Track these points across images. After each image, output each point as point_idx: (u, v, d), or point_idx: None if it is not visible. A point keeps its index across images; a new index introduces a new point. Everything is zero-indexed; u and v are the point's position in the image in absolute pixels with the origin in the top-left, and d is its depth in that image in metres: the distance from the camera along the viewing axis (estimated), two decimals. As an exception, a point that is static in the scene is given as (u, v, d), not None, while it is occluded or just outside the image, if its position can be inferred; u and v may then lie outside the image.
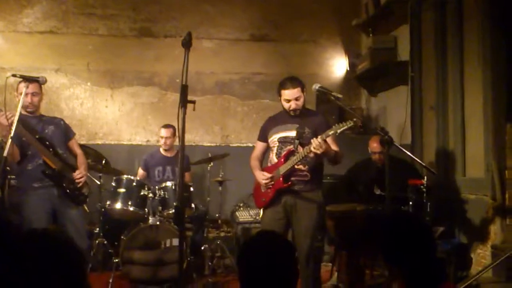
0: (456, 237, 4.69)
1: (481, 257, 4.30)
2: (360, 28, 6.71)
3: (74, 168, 4.13)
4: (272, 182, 3.87)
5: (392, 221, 2.17)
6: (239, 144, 6.71)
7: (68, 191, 4.00)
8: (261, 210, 4.02)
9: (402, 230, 2.06)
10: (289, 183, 3.82)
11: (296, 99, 3.84)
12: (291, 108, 3.86)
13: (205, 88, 6.69)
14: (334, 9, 6.89)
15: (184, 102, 2.73)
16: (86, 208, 4.48)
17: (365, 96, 6.90)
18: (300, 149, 3.78)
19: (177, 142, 5.68)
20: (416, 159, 3.91)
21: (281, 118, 4.00)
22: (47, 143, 3.93)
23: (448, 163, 5.08)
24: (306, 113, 3.96)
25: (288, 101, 3.86)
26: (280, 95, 3.92)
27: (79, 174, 4.09)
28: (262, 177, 3.89)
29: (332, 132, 3.53)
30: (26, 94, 3.85)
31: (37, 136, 3.87)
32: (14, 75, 3.75)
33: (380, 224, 2.18)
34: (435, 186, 4.70)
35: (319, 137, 3.57)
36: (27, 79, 3.73)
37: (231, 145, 6.67)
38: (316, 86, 3.72)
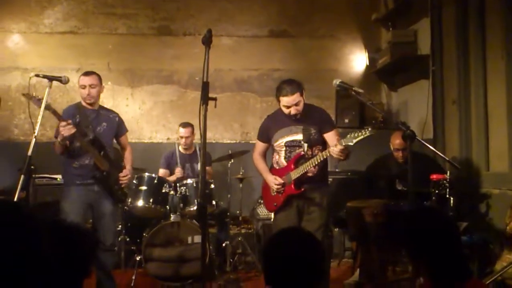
0: (479, 233, 4.62)
1: (506, 252, 4.23)
2: (380, 23, 6.65)
3: (120, 167, 4.27)
4: (284, 188, 3.86)
5: (417, 216, 2.14)
6: (258, 141, 6.70)
7: (111, 189, 4.14)
8: (272, 213, 4.01)
9: (427, 226, 2.04)
10: (302, 189, 3.80)
11: (296, 104, 3.78)
12: (291, 114, 3.81)
13: (224, 85, 6.70)
14: (352, 3, 6.83)
15: (205, 99, 2.73)
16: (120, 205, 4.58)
17: (385, 91, 6.83)
18: (309, 151, 3.78)
19: (196, 139, 5.70)
20: (439, 153, 3.86)
21: (282, 119, 3.92)
22: (99, 144, 4.06)
23: (471, 157, 5.01)
24: (307, 111, 3.89)
25: (288, 107, 3.80)
26: (278, 101, 3.85)
27: (126, 176, 4.26)
28: (275, 182, 3.87)
29: (348, 142, 3.45)
30: (84, 87, 4.05)
31: (90, 137, 4.01)
32: (37, 75, 3.82)
33: (404, 219, 2.16)
34: (458, 181, 4.63)
35: (338, 146, 3.49)
36: (50, 79, 3.78)
37: (251, 142, 6.65)
38: (336, 81, 3.68)
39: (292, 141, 3.87)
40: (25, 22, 6.52)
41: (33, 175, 5.17)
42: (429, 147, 3.73)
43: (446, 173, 4.26)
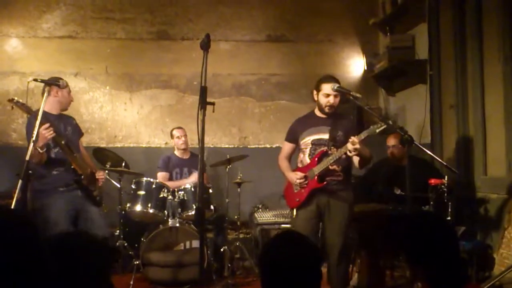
0: (477, 237, 4.63)
1: (504, 257, 4.24)
2: (378, 27, 6.66)
3: (93, 170, 4.22)
4: (306, 182, 3.88)
5: (415, 221, 2.15)
6: (257, 146, 6.71)
7: (90, 192, 4.09)
8: (294, 210, 4.01)
9: (426, 231, 2.04)
10: (325, 182, 3.84)
11: (336, 95, 3.85)
12: (328, 104, 3.85)
13: (222, 90, 6.71)
14: (350, 8, 6.85)
15: (203, 103, 2.74)
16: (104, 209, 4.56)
17: (383, 96, 6.84)
18: (333, 150, 3.82)
19: (194, 144, 5.71)
20: (437, 158, 3.87)
21: (312, 120, 4.00)
22: (70, 148, 3.98)
23: (469, 162, 5.02)
24: (338, 116, 3.98)
25: (328, 95, 3.84)
26: (318, 90, 3.90)
27: (102, 175, 4.23)
28: (296, 176, 3.90)
29: (368, 133, 3.55)
30: (70, 93, 4.07)
31: (63, 142, 3.90)
32: (35, 80, 3.81)
33: (402, 224, 2.16)
34: (456, 186, 4.64)
35: (355, 137, 3.59)
36: (48, 84, 3.78)
37: (249, 146, 6.67)
38: (334, 86, 3.72)
39: (319, 139, 3.92)
40: (23, 26, 6.52)
41: (31, 180, 5.16)
42: (427, 152, 3.75)
43: (444, 178, 4.26)
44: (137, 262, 4.79)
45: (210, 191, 5.06)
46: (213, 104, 2.83)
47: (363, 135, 3.59)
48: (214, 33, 6.36)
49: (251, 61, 6.78)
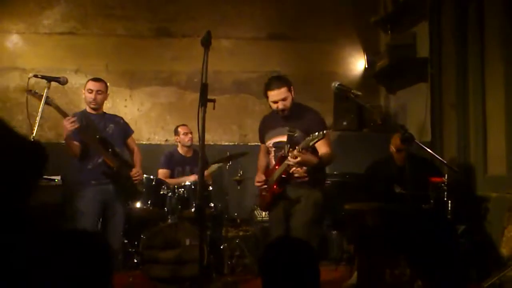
0: (477, 236, 4.63)
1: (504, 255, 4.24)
2: (378, 25, 6.66)
3: (131, 166, 4.41)
4: (265, 186, 3.91)
5: (415, 220, 2.15)
6: (257, 143, 6.64)
7: (124, 188, 4.28)
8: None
9: (426, 229, 2.04)
10: (281, 189, 3.81)
11: (283, 99, 3.78)
12: (278, 109, 3.81)
13: (223, 87, 6.70)
14: (351, 6, 6.84)
15: (204, 101, 2.73)
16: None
17: (384, 94, 6.84)
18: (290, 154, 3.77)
19: (194, 141, 5.71)
20: (437, 156, 3.86)
21: (273, 121, 3.96)
22: (107, 142, 4.20)
23: (469, 160, 5.01)
24: (297, 112, 3.87)
25: (275, 102, 3.80)
26: (267, 97, 3.86)
27: (137, 173, 4.40)
28: (257, 179, 3.94)
29: (303, 146, 3.46)
30: (91, 91, 4.21)
31: (97, 136, 4.13)
32: (35, 76, 3.85)
33: (402, 222, 2.16)
34: (456, 184, 4.64)
35: (294, 150, 3.50)
36: (49, 80, 3.80)
37: (249, 144, 6.66)
38: (335, 84, 3.69)
39: (279, 142, 3.89)
40: (24, 22, 6.51)
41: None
42: (427, 150, 3.74)
43: (444, 176, 4.26)
44: (137, 259, 4.79)
45: (210, 188, 5.05)
46: (213, 101, 2.82)
47: (298, 148, 3.49)
48: (215, 30, 6.27)
49: (251, 58, 6.78)
